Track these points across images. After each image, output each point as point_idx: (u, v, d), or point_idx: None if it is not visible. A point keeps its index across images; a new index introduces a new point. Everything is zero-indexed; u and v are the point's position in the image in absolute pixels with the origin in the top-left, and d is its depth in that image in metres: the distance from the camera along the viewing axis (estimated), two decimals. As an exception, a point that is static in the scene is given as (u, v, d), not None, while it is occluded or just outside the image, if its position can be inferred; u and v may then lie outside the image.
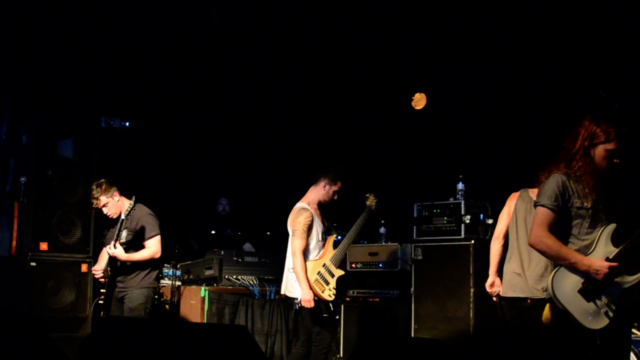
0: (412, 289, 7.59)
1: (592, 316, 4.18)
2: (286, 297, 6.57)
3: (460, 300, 7.21)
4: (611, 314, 4.17)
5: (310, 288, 6.24)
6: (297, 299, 6.30)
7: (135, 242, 6.60)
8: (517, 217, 5.67)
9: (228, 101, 9.63)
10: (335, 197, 6.56)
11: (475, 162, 8.41)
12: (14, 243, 7.77)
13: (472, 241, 7.26)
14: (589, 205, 4.29)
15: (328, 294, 6.33)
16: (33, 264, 7.72)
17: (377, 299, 8.05)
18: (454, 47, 8.12)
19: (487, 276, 6.14)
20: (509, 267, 5.66)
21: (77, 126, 8.55)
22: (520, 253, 5.56)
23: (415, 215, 7.83)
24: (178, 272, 8.01)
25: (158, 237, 6.63)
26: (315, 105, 9.53)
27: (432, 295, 7.47)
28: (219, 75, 9.07)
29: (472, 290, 7.13)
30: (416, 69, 8.68)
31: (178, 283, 7.91)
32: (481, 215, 7.49)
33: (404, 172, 8.98)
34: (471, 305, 7.11)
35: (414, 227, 7.80)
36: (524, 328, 5.45)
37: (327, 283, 6.36)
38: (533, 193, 5.25)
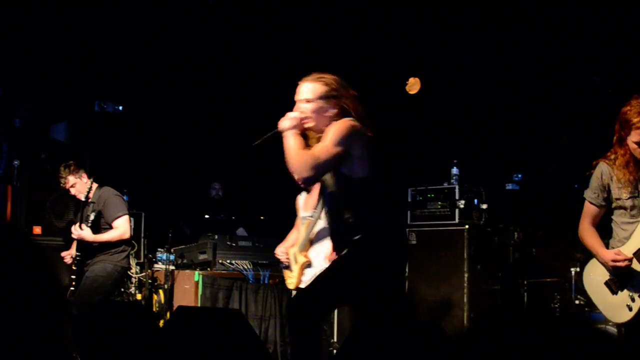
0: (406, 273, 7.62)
1: (615, 309, 4.06)
2: None
3: (454, 285, 7.23)
4: (633, 308, 3.98)
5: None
6: None
7: (102, 223, 6.57)
8: None
9: (222, 85, 9.59)
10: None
11: (470, 146, 8.41)
12: (7, 227, 7.74)
13: (467, 226, 7.26)
14: (627, 196, 4.06)
15: (290, 281, 5.95)
16: (26, 247, 7.70)
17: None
18: (448, 30, 8.09)
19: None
20: None
21: (70, 110, 8.52)
22: None
23: (409, 199, 7.83)
24: (171, 257, 8.00)
25: (126, 217, 6.60)
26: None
27: (426, 280, 7.49)
28: (212, 59, 9.03)
29: (466, 275, 7.14)
30: (410, 53, 8.66)
31: (172, 267, 7.91)
32: (475, 200, 7.49)
33: (398, 157, 8.97)
34: (465, 290, 7.13)
35: (408, 212, 7.80)
36: None
37: (291, 271, 5.93)
38: None
